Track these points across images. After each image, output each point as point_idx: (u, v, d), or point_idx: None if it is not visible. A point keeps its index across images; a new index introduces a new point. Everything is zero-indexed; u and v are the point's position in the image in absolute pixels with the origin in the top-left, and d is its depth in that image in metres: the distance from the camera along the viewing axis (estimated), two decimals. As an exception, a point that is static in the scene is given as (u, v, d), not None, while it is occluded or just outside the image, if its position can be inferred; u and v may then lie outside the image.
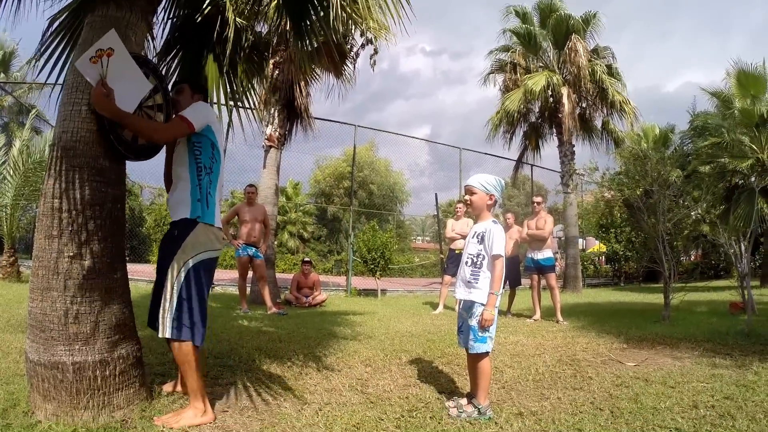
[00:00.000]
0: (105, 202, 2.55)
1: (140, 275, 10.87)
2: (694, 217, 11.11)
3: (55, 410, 2.37)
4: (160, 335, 2.57)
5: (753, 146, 12.70)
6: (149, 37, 3.66)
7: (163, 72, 3.97)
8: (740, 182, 13.47)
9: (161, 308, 2.56)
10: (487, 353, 2.88)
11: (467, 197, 3.07)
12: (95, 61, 2.37)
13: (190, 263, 2.60)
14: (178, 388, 2.92)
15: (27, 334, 2.49)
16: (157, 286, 2.66)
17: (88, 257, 2.44)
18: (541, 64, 15.14)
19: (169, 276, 2.57)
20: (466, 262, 3.00)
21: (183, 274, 2.58)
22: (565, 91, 14.00)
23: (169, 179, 2.88)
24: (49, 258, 2.39)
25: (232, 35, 3.79)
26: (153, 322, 2.64)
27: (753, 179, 12.45)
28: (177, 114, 2.69)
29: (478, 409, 2.79)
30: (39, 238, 2.44)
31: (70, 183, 2.43)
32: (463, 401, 2.92)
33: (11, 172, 9.65)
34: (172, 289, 2.56)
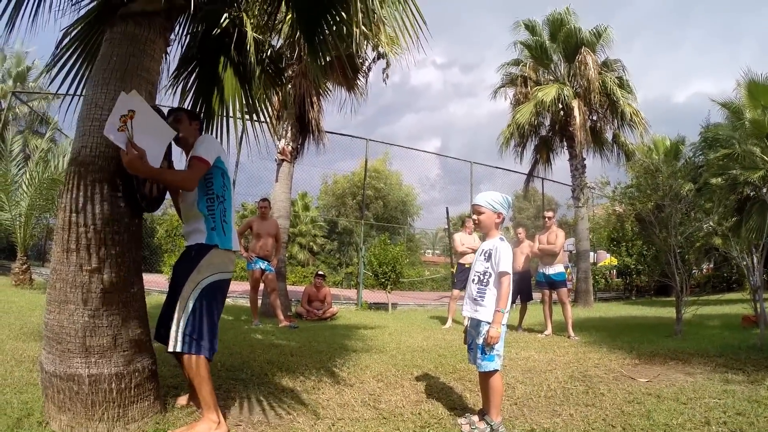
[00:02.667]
0: (123, 217, 2.59)
1: (152, 285, 10.92)
2: (705, 229, 10.98)
3: (69, 421, 2.39)
4: (170, 349, 2.61)
5: (764, 157, 12.53)
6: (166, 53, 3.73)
7: (180, 88, 4.03)
8: (752, 194, 13.25)
9: (173, 323, 2.60)
10: (496, 371, 2.86)
11: (475, 217, 3.07)
12: (122, 129, 2.43)
13: (205, 282, 2.67)
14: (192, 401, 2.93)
15: (43, 345, 2.51)
16: (169, 302, 2.71)
17: (106, 271, 2.47)
18: (551, 78, 15.15)
19: (183, 293, 2.63)
20: (473, 280, 3.00)
21: (197, 293, 2.65)
22: (575, 103, 13.97)
23: (179, 209, 2.96)
24: (67, 271, 2.42)
25: (252, 48, 3.84)
26: (163, 337, 2.69)
27: (765, 190, 12.27)
28: (193, 156, 2.73)
29: (491, 426, 2.77)
30: (57, 251, 2.48)
31: (89, 198, 2.47)
32: (476, 418, 2.91)
33: (27, 183, 9.81)
34: (186, 305, 2.61)
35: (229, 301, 10.85)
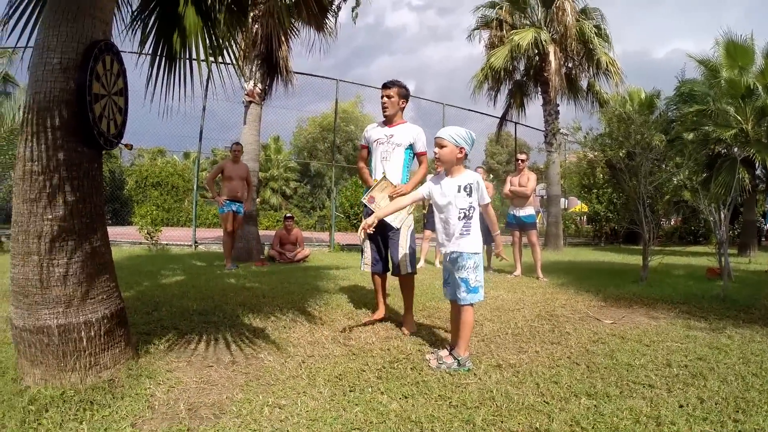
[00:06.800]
0: (81, 161, 2.52)
1: (123, 237, 10.83)
2: (675, 182, 11.16)
3: (43, 374, 2.39)
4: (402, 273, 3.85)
5: (738, 117, 12.68)
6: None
7: (140, 29, 3.84)
8: (723, 151, 13.42)
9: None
10: (472, 304, 2.92)
11: (437, 149, 3.00)
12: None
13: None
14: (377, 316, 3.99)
15: (11, 301, 2.49)
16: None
17: (68, 219, 2.43)
18: (527, 22, 14.78)
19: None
20: (459, 216, 2.95)
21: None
22: (551, 48, 13.75)
23: None
24: (28, 222, 2.38)
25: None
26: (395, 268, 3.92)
27: (736, 149, 12.43)
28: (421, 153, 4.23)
29: (458, 360, 2.85)
30: (17, 203, 2.42)
31: (45, 144, 2.39)
32: (443, 353, 2.99)
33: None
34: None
35: (201, 247, 10.86)
